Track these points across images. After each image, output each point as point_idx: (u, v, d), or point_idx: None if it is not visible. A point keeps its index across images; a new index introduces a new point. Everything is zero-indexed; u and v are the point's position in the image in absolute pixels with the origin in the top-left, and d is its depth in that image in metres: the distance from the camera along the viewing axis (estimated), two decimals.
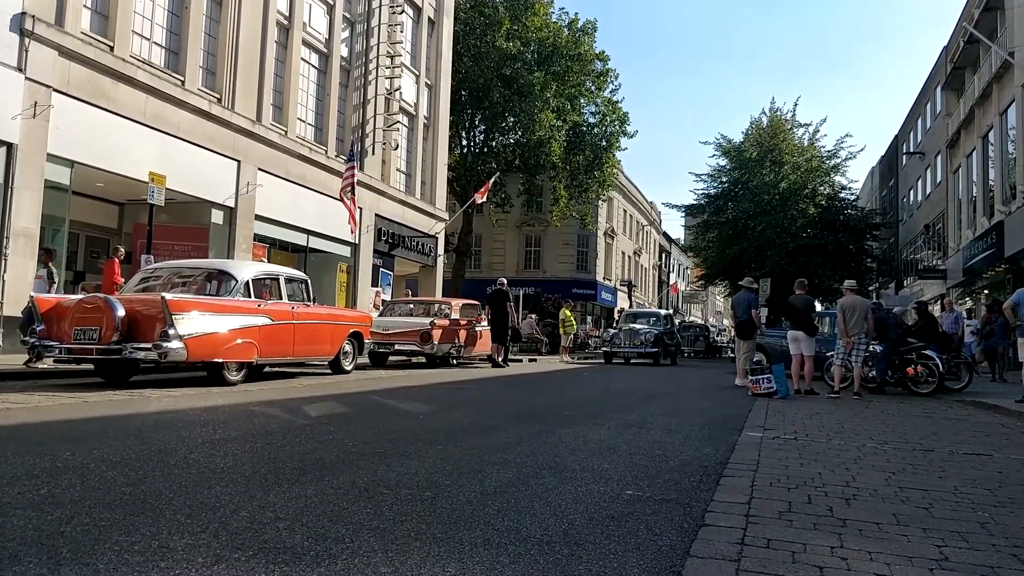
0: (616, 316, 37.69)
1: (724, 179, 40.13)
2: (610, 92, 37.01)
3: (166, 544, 2.48)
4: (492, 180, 28.85)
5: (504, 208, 37.30)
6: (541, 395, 9.98)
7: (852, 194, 40.76)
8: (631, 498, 3.52)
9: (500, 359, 17.10)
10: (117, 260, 12.91)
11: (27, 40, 12.59)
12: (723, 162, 40.13)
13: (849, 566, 2.50)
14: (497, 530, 2.82)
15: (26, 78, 12.61)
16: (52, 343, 8.68)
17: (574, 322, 26.47)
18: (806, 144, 38.84)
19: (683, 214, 45.83)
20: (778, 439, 5.73)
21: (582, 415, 7.37)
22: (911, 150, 39.17)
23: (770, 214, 36.55)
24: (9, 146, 12.42)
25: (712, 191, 40.42)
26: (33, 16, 12.62)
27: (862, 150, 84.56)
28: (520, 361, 21.19)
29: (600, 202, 43.33)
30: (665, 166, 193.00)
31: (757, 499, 3.47)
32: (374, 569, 2.30)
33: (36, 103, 12.69)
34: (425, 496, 3.36)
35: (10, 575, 2.13)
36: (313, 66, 21.09)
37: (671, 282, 67.27)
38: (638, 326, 22.80)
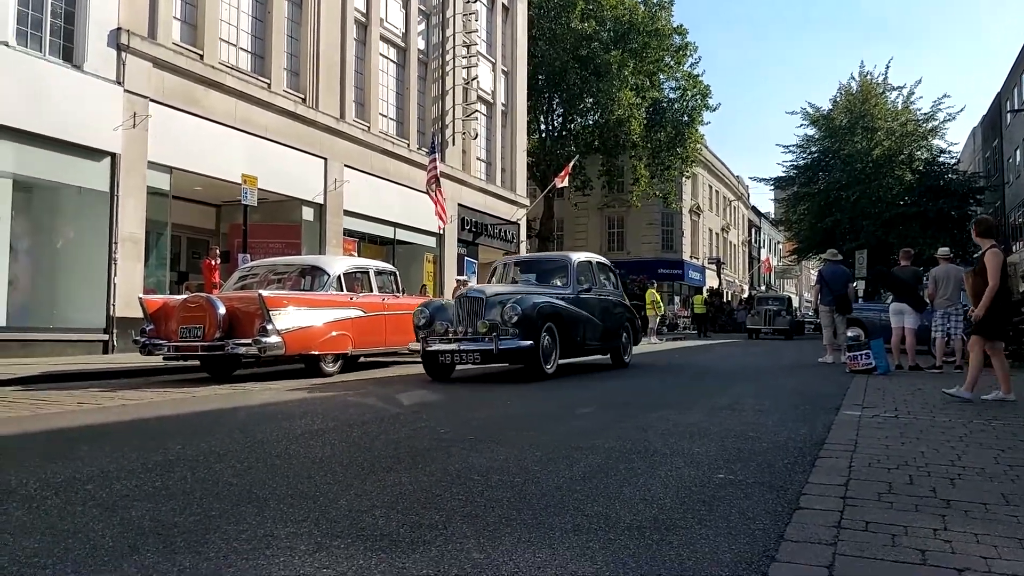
0: (708, 295, 36.92)
1: (813, 149, 38.72)
2: (690, 66, 36.25)
3: (270, 532, 2.61)
4: (572, 163, 28.71)
5: (585, 191, 37.09)
6: (628, 378, 9.92)
7: (952, 157, 38.68)
8: (723, 482, 3.48)
9: None
10: (213, 260, 13.52)
11: (124, 54, 13.26)
12: (811, 131, 38.71)
13: (953, 549, 2.41)
14: (586, 515, 2.84)
15: (125, 90, 13.29)
16: (160, 341, 9.19)
17: (661, 302, 26.14)
18: (900, 108, 37.02)
19: (772, 187, 44.50)
20: (877, 417, 5.54)
21: (671, 398, 7.30)
22: (1016, 107, 36.80)
23: (864, 183, 35.09)
24: (113, 156, 13.14)
25: (801, 162, 39.08)
26: (128, 31, 13.28)
27: (961, 111, 79.76)
28: None
29: (684, 179, 42.56)
30: (751, 139, 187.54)
31: (855, 480, 3.38)
32: (467, 555, 2.36)
33: (135, 113, 13.37)
34: (515, 482, 3.41)
35: (130, 564, 2.29)
36: (392, 61, 21.43)
37: (762, 258, 65.48)
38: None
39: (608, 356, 11.37)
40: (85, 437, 4.99)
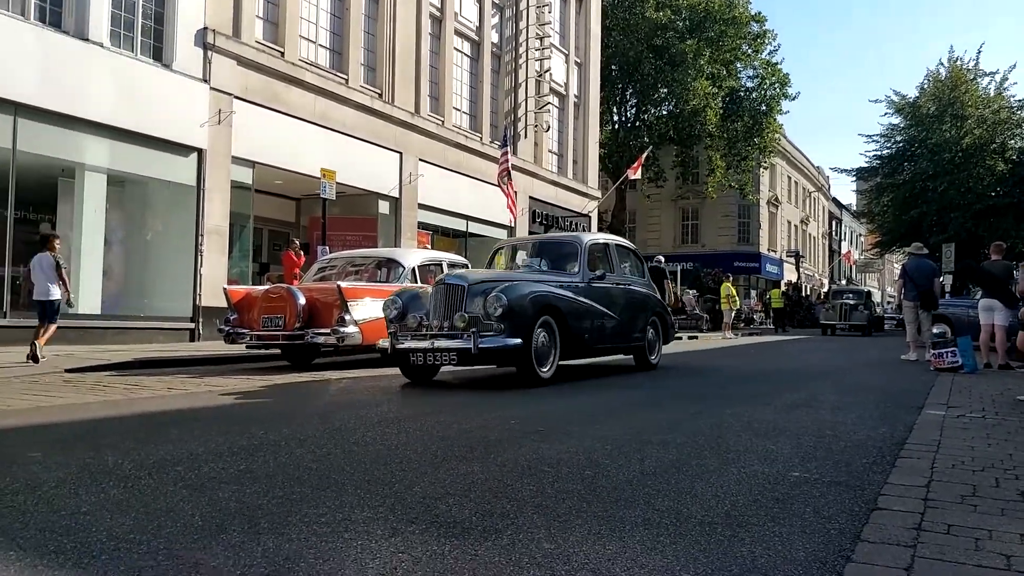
0: (785, 290, 36.03)
1: (898, 138, 37.27)
2: (768, 54, 35.41)
3: (348, 517, 2.70)
4: (645, 154, 28.41)
5: (658, 182, 36.68)
6: (701, 373, 9.80)
7: None
8: (798, 480, 3.42)
9: None
10: (293, 251, 13.94)
11: (209, 52, 13.76)
12: (896, 120, 37.26)
13: None
14: (657, 510, 2.84)
15: (210, 88, 13.79)
16: (244, 331, 9.55)
17: (737, 296, 25.65)
18: (992, 94, 35.26)
19: (854, 178, 43.05)
20: (963, 418, 5.34)
21: (746, 393, 7.19)
22: None
23: (952, 173, 33.60)
24: (199, 151, 13.67)
25: (885, 152, 37.66)
26: (214, 30, 13.77)
27: None
28: (680, 339, 20.84)
29: (761, 170, 41.60)
30: (832, 128, 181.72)
31: (937, 482, 3.28)
32: (537, 545, 2.40)
33: (220, 110, 13.87)
34: (585, 475, 3.43)
35: (219, 542, 2.41)
36: (465, 55, 21.60)
37: (843, 251, 63.45)
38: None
39: (631, 357, 9.77)
40: (175, 421, 5.24)
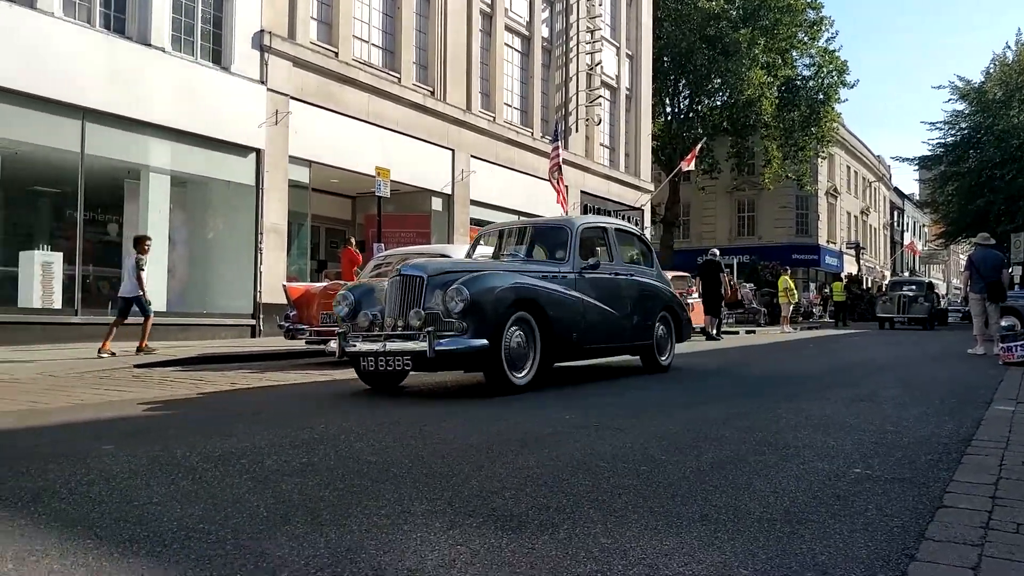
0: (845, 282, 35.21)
1: (963, 125, 36.09)
2: (825, 41, 34.61)
3: (407, 509, 2.75)
4: (699, 146, 28.03)
5: (713, 174, 36.17)
6: (759, 368, 9.66)
7: None
8: (859, 477, 3.36)
9: (714, 331, 16.73)
10: (351, 248, 14.18)
11: (266, 54, 14.06)
12: (960, 106, 36.13)
13: None
14: (715, 506, 2.82)
15: (268, 89, 14.10)
16: (303, 326, 9.76)
17: (795, 290, 25.15)
18: None
19: (916, 167, 41.78)
20: None
21: (805, 388, 7.06)
22: None
23: (1021, 160, 32.38)
24: (258, 152, 13.99)
25: (949, 139, 36.53)
26: (270, 32, 14.06)
27: None
28: (736, 333, 20.56)
29: (819, 160, 40.68)
30: (892, 117, 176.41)
31: (1006, 480, 3.18)
32: (594, 539, 2.41)
33: (277, 111, 14.17)
34: (641, 470, 3.43)
35: (283, 533, 2.48)
36: (516, 50, 21.63)
37: (906, 241, 61.66)
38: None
39: (638, 358, 8.58)
40: (238, 415, 5.39)
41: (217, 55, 13.65)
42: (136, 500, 2.88)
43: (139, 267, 9.99)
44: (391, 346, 6.10)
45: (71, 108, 11.45)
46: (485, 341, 5.92)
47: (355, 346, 6.35)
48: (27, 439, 4.37)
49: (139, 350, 9.89)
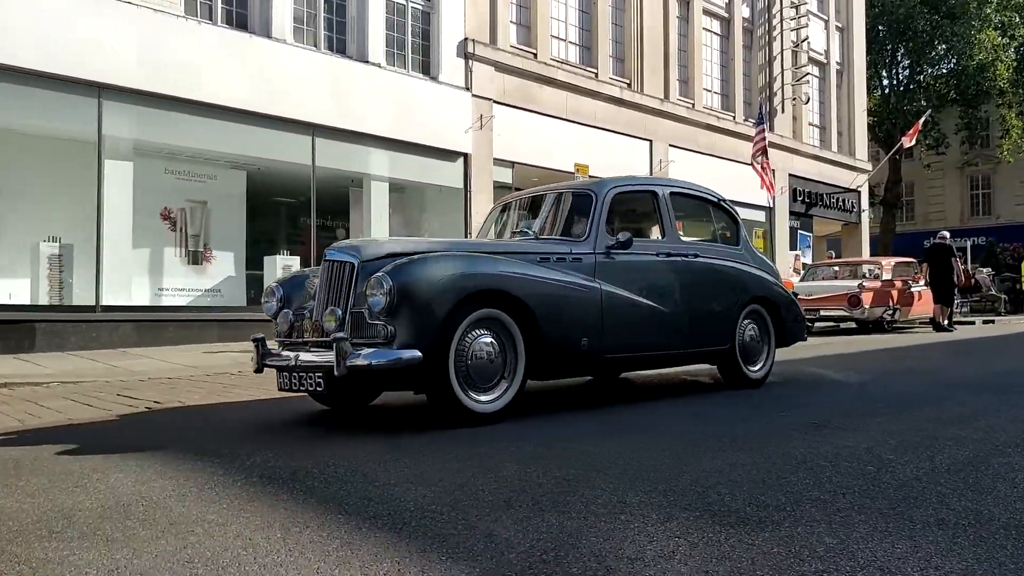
0: None
1: None
2: None
3: (623, 499, 2.83)
4: (923, 119, 25.68)
5: (939, 149, 32.94)
6: (1000, 362, 8.74)
7: None
8: None
9: (944, 322, 15.28)
10: None
11: (470, 62, 14.72)
12: None
13: None
14: (952, 510, 2.64)
15: (472, 95, 14.76)
16: None
17: None
18: None
19: None
20: None
21: None
22: None
23: None
24: (465, 156, 14.72)
25: None
26: (473, 40, 14.71)
27: None
28: (972, 323, 18.67)
29: None
30: None
31: None
32: (818, 538, 2.36)
33: (481, 116, 14.79)
34: (867, 470, 3.27)
35: (507, 515, 2.65)
36: (715, 33, 21.01)
37: None
38: None
39: (716, 368, 6.58)
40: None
41: (426, 66, 14.50)
42: (376, 481, 3.19)
43: None
44: (303, 358, 4.61)
45: (303, 125, 12.66)
46: (417, 352, 4.27)
47: (272, 359, 4.85)
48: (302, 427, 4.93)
49: None
